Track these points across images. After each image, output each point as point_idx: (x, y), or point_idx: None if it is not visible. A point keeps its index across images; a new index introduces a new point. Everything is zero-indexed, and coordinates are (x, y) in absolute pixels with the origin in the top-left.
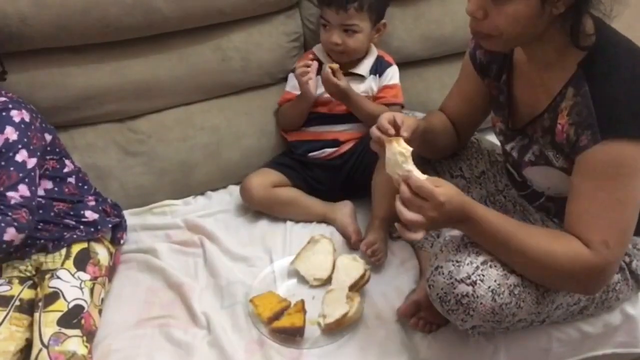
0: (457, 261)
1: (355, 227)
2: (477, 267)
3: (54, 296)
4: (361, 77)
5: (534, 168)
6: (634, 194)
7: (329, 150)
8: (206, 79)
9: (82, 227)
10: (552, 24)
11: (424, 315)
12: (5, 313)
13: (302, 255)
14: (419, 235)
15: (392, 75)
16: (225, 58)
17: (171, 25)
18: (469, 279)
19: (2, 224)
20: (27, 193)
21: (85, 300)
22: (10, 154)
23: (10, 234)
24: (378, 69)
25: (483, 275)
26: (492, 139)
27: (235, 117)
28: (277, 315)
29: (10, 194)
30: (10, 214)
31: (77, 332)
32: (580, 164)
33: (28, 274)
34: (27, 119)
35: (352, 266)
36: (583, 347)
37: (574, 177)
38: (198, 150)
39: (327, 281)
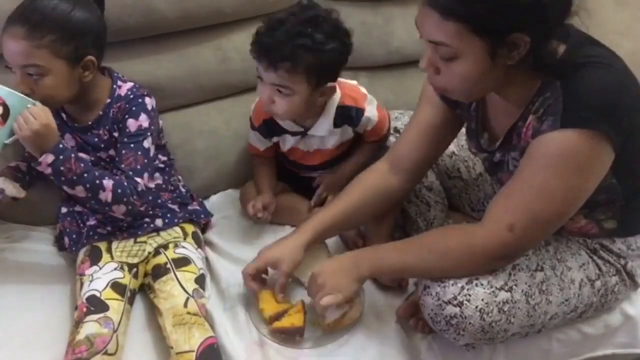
0: (442, 281)
1: (356, 230)
2: (462, 287)
3: (185, 260)
4: (320, 137)
5: None
6: (570, 190)
7: (317, 172)
8: (206, 79)
9: (186, 212)
10: (510, 69)
11: (424, 315)
12: (123, 304)
13: None
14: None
15: (370, 117)
16: (226, 59)
17: (171, 25)
18: (456, 299)
19: (125, 199)
20: (148, 183)
21: (206, 274)
22: (140, 139)
23: (121, 211)
24: (348, 120)
25: (469, 295)
26: None
27: (234, 119)
28: (278, 316)
29: (137, 179)
30: (132, 198)
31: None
32: (532, 147)
33: (137, 259)
34: (154, 105)
35: None
36: (583, 347)
37: (521, 160)
38: (197, 155)
39: None
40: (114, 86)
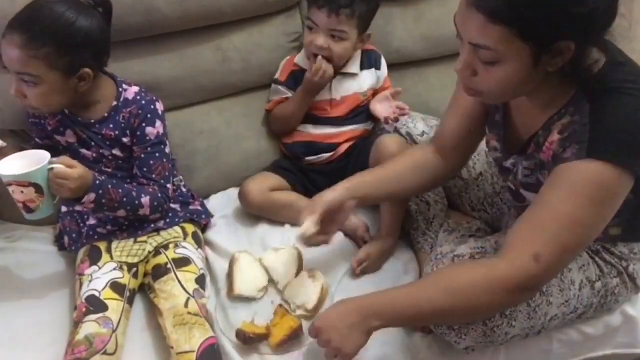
0: None
1: (360, 221)
2: None
3: (185, 260)
4: (353, 75)
5: (529, 193)
6: (594, 220)
7: (326, 155)
8: (206, 80)
9: (187, 212)
10: (548, 74)
11: None
12: (122, 304)
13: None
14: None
15: (384, 67)
16: (226, 59)
17: (171, 25)
18: None
19: (160, 208)
20: (171, 188)
21: (206, 274)
22: (162, 147)
23: (156, 217)
24: (372, 62)
25: None
26: None
27: (235, 119)
28: (266, 337)
29: (168, 185)
30: (166, 205)
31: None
32: (556, 174)
33: (137, 259)
34: (163, 109)
35: (282, 257)
36: (584, 348)
37: (543, 187)
38: (198, 155)
39: (264, 290)
40: (120, 89)
